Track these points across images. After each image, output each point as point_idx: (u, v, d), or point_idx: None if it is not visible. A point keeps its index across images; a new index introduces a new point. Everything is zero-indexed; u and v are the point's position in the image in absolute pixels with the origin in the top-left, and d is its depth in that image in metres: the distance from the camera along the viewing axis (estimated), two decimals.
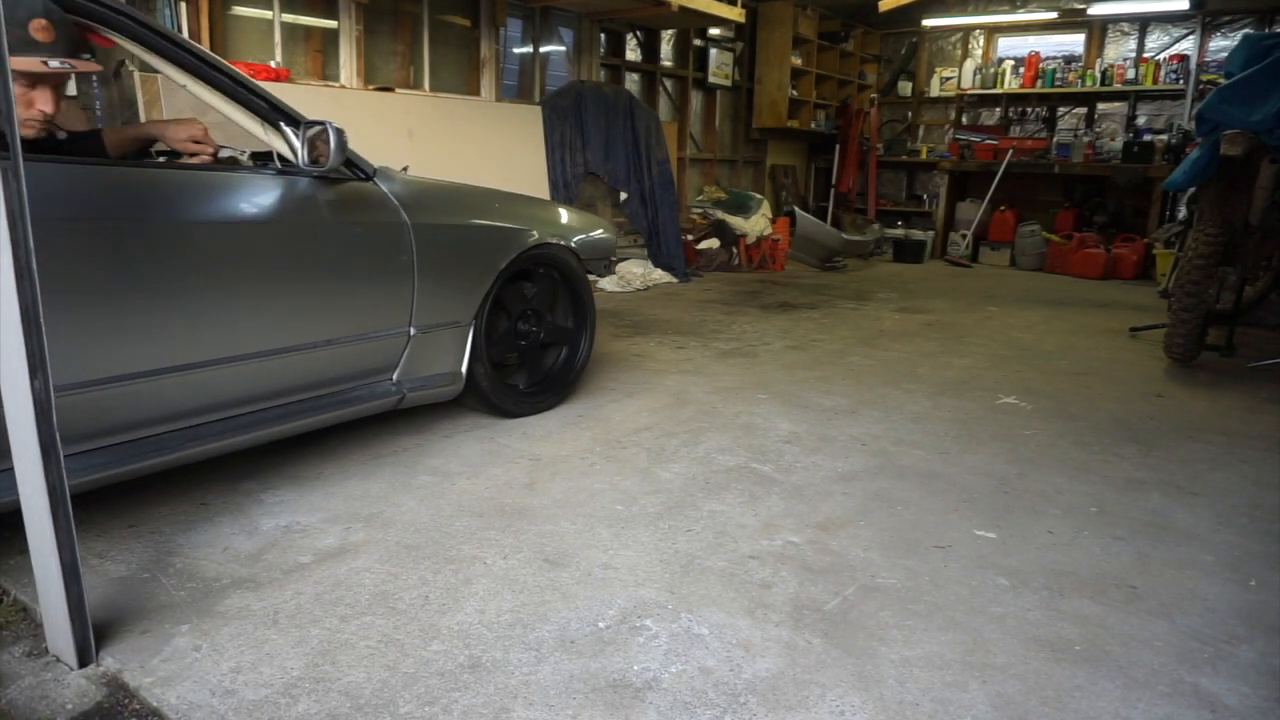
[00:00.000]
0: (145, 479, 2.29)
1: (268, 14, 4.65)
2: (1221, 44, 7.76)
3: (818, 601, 1.81)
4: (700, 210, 7.38)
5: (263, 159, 2.33)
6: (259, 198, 2.15)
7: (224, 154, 2.32)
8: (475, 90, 5.83)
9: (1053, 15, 8.47)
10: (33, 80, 1.80)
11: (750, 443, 2.80)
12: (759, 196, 7.37)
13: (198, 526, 2.08)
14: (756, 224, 7.11)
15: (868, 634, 1.69)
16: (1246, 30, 7.59)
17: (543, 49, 6.45)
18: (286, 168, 2.21)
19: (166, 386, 1.97)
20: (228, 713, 1.41)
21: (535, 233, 2.90)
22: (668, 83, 7.70)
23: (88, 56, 1.90)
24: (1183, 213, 7.24)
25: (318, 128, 2.16)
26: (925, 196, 9.57)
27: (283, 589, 1.80)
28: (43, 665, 1.54)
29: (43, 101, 1.85)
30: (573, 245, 3.06)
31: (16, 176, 1.34)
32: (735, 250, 7.24)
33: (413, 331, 2.53)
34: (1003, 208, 8.35)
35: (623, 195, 6.60)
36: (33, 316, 1.37)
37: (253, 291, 2.11)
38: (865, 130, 9.17)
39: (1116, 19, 8.30)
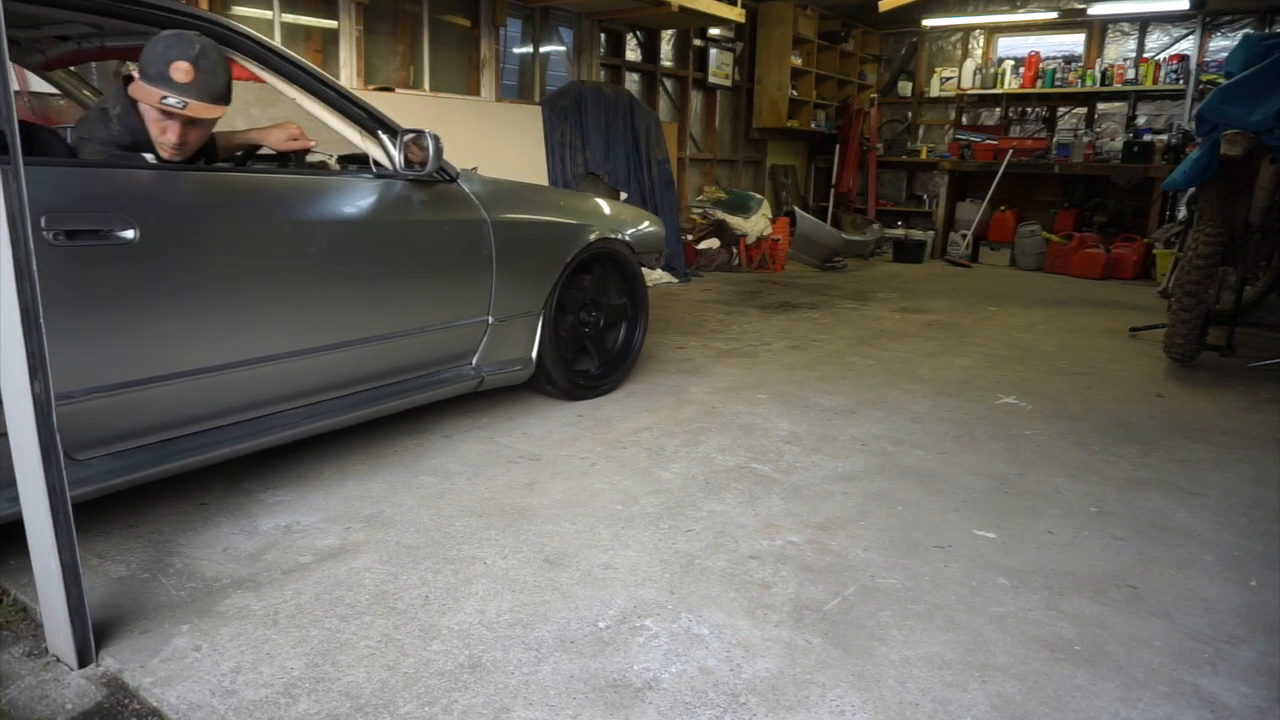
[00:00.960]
0: None
1: (268, 14, 4.65)
2: (1221, 44, 7.76)
3: (818, 601, 1.81)
4: (700, 210, 7.39)
5: (348, 162, 2.61)
6: (363, 199, 2.38)
7: (313, 158, 2.55)
8: (475, 90, 5.83)
9: (1053, 15, 8.47)
10: (163, 113, 1.99)
11: (750, 443, 2.80)
12: (759, 196, 7.37)
13: (198, 526, 2.08)
14: (756, 224, 7.11)
15: (868, 634, 1.69)
16: (1246, 30, 7.59)
17: (543, 49, 6.45)
18: (381, 172, 2.43)
19: (291, 369, 2.19)
20: (228, 713, 1.41)
21: (596, 228, 3.14)
22: (668, 83, 7.70)
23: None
24: (1183, 213, 7.24)
25: (415, 134, 2.39)
26: (925, 196, 9.57)
27: (283, 589, 1.80)
28: (43, 665, 1.54)
29: (171, 132, 2.01)
30: (627, 239, 3.28)
31: (16, 178, 1.34)
32: (735, 250, 7.24)
33: (490, 320, 2.76)
34: (1003, 208, 8.35)
35: (623, 195, 6.60)
36: (33, 317, 1.37)
37: (359, 283, 2.34)
38: (865, 130, 9.17)
39: (1116, 19, 8.30)
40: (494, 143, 5.51)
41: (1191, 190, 5.90)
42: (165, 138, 2.01)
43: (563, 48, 6.65)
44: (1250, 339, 4.73)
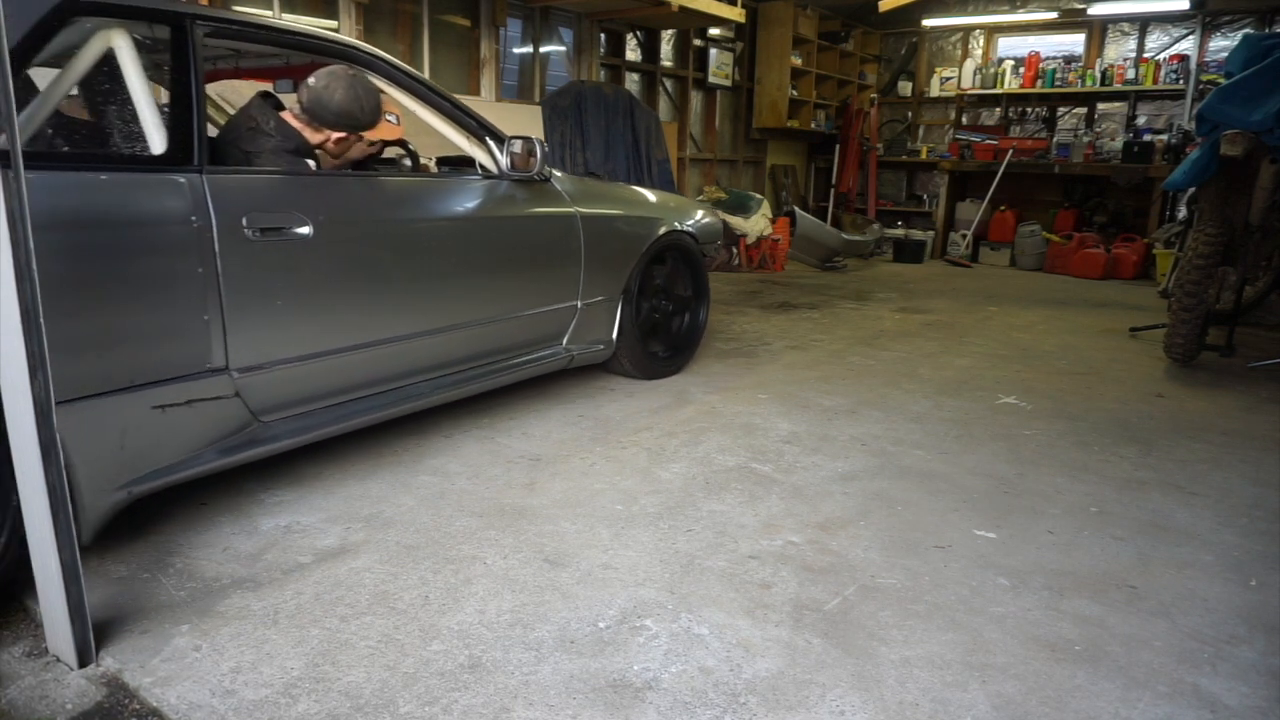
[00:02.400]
0: None
1: (267, 14, 4.65)
2: (1221, 44, 7.76)
3: (818, 601, 1.81)
4: None
5: (444, 163, 2.97)
6: (479, 198, 2.70)
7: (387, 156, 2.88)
8: (475, 90, 5.83)
9: (1053, 15, 8.47)
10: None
11: (750, 443, 2.80)
12: (759, 196, 7.37)
13: (198, 526, 2.08)
14: (756, 224, 7.11)
15: (868, 634, 1.69)
16: (1246, 30, 7.59)
17: (543, 49, 6.45)
18: (489, 173, 2.76)
19: (424, 346, 2.52)
20: (228, 713, 1.41)
21: (667, 221, 3.44)
22: (668, 83, 7.71)
23: (392, 119, 2.55)
24: (1183, 213, 7.24)
25: (523, 140, 2.73)
26: (925, 196, 9.57)
27: (283, 589, 1.80)
28: (43, 665, 1.54)
29: (340, 152, 2.47)
30: (692, 231, 3.58)
31: (17, 178, 1.34)
32: (735, 250, 7.24)
33: (579, 305, 3.08)
34: (1003, 208, 8.35)
35: None
36: (33, 317, 1.37)
37: (477, 271, 2.65)
38: (865, 130, 9.17)
39: (1116, 19, 8.30)
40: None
41: (1191, 190, 5.90)
42: (337, 161, 2.48)
43: (563, 48, 6.65)
44: (1250, 339, 4.73)
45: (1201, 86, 7.64)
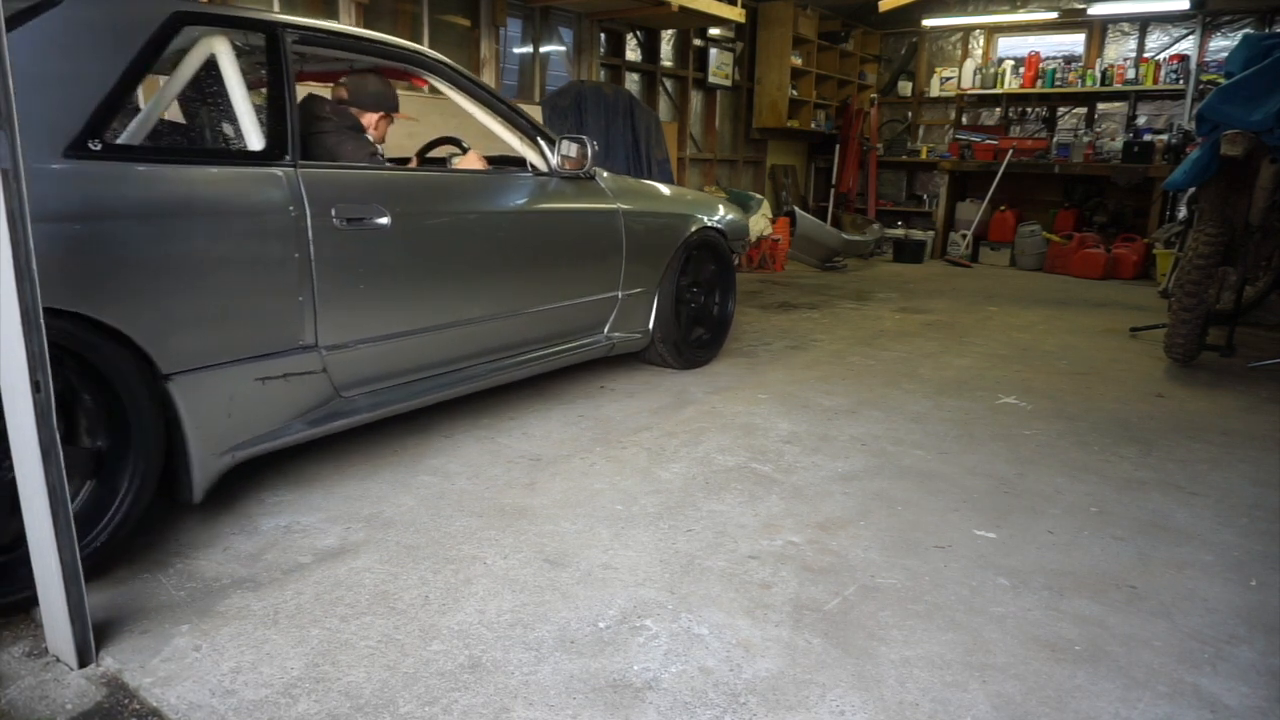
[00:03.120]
0: None
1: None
2: (1221, 44, 7.76)
3: (818, 601, 1.81)
4: None
5: (493, 162, 3.08)
6: (533, 194, 2.89)
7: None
8: None
9: (1053, 15, 8.47)
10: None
11: (750, 443, 2.80)
12: (759, 196, 7.37)
13: (197, 527, 2.08)
14: (756, 224, 7.11)
15: (868, 634, 1.69)
16: (1246, 30, 7.59)
17: (543, 49, 6.45)
18: (539, 171, 2.94)
19: (484, 330, 2.71)
20: (228, 713, 1.41)
21: (700, 218, 3.62)
22: (668, 83, 7.71)
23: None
24: (1183, 213, 7.24)
25: (576, 142, 2.94)
26: (925, 196, 9.57)
27: (283, 589, 1.80)
28: (43, 665, 1.54)
29: (381, 132, 2.79)
30: (722, 228, 3.75)
31: (16, 178, 1.34)
32: None
33: (620, 295, 3.27)
34: (1003, 208, 8.35)
35: None
36: (33, 317, 1.37)
37: (531, 262, 2.85)
38: (865, 130, 9.17)
39: (1116, 19, 8.30)
40: (494, 142, 5.51)
41: (1191, 190, 5.90)
42: (381, 141, 2.78)
43: (563, 48, 6.65)
44: (1250, 339, 4.73)
45: (1201, 86, 7.64)
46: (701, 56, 7.99)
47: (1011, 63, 8.82)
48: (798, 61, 8.56)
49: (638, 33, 7.35)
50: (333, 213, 2.18)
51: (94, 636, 1.55)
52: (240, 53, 2.17)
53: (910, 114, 9.74)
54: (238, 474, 2.39)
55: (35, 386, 1.38)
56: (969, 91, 9.09)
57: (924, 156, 9.37)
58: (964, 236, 8.39)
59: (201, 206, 1.92)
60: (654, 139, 6.74)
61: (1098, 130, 8.42)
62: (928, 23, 9.04)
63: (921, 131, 9.70)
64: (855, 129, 9.05)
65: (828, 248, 7.49)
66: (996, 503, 2.37)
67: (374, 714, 1.41)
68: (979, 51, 9.20)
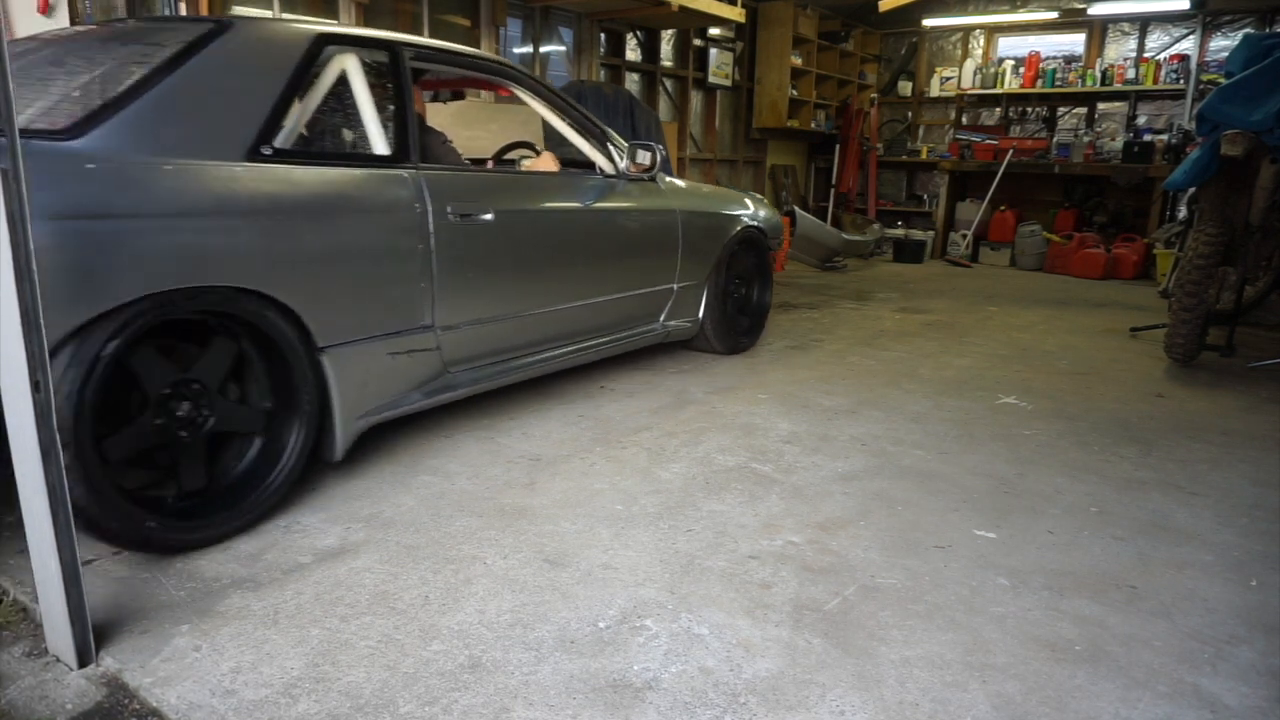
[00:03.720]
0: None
1: (267, 14, 4.65)
2: (1222, 44, 7.76)
3: (818, 601, 1.81)
4: None
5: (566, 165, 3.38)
6: (606, 194, 3.18)
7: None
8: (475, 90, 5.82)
9: (1053, 15, 8.47)
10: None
11: (750, 443, 2.80)
12: (759, 197, 7.37)
13: None
14: None
15: (868, 634, 1.69)
16: (1247, 30, 7.59)
17: (543, 49, 6.45)
18: (608, 174, 3.23)
19: (564, 316, 3.00)
20: (228, 713, 1.41)
21: (744, 218, 3.93)
22: (668, 83, 7.70)
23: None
24: (1183, 213, 7.24)
25: (645, 147, 3.25)
26: (925, 196, 9.57)
27: (283, 589, 1.80)
28: (42, 665, 1.54)
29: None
30: (760, 225, 4.05)
31: (16, 179, 1.34)
32: None
33: (675, 287, 3.57)
34: (1003, 208, 8.35)
35: None
36: (33, 317, 1.37)
37: (603, 255, 3.17)
38: (865, 130, 9.17)
39: (1117, 19, 8.30)
40: (494, 141, 5.51)
41: (1191, 190, 5.90)
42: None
43: (563, 48, 6.65)
44: (1250, 339, 4.73)
45: (1202, 86, 7.64)
46: (701, 56, 7.99)
47: (1011, 63, 8.82)
48: (798, 61, 8.55)
49: (638, 33, 7.35)
50: (448, 209, 2.48)
51: (94, 636, 1.55)
52: (367, 68, 2.43)
53: (910, 114, 9.74)
54: None
55: (35, 386, 1.38)
56: (969, 91, 9.09)
57: (924, 156, 9.37)
58: (964, 236, 8.39)
59: (347, 202, 2.23)
60: (654, 139, 6.73)
61: (1098, 130, 8.42)
62: (928, 23, 9.04)
63: (921, 131, 9.70)
64: (855, 129, 9.05)
65: (828, 248, 7.48)
66: (996, 503, 2.37)
67: (374, 714, 1.41)
68: (979, 51, 9.20)
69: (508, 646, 1.61)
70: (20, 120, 1.77)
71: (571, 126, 3.20)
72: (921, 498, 2.39)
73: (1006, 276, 7.50)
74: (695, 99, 8.10)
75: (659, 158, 3.28)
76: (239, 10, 4.53)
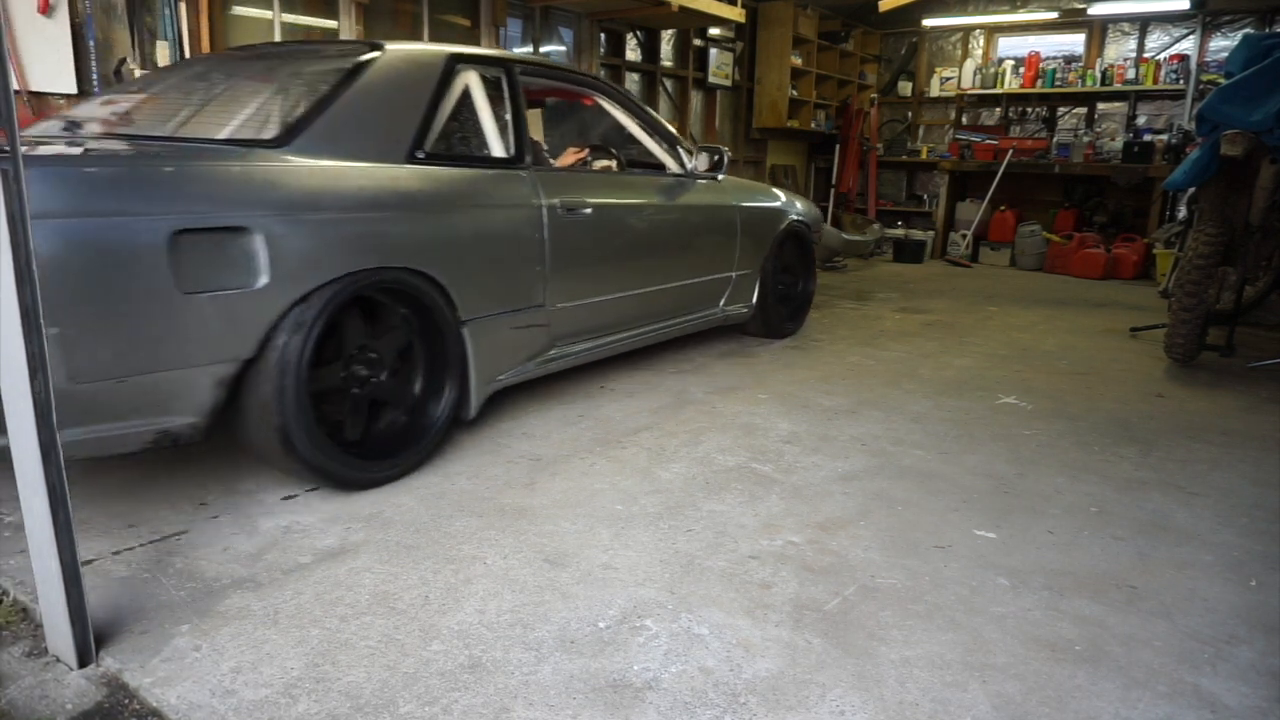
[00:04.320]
0: (145, 478, 2.34)
1: (268, 14, 4.65)
2: (1222, 44, 7.76)
3: (818, 601, 1.81)
4: None
5: (633, 165, 3.73)
6: (678, 191, 3.57)
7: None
8: None
9: (1053, 15, 8.47)
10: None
11: (750, 443, 2.80)
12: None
13: (198, 526, 2.08)
14: None
15: (868, 634, 1.69)
16: (1247, 30, 7.59)
17: (543, 49, 6.45)
18: (679, 173, 3.63)
19: (642, 300, 3.35)
20: (228, 713, 1.41)
21: (790, 212, 4.31)
22: (668, 83, 7.70)
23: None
24: (1183, 213, 7.24)
25: (714, 151, 3.69)
26: (925, 196, 9.57)
27: (283, 589, 1.80)
28: (43, 665, 1.54)
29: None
30: (804, 219, 4.43)
31: (17, 179, 1.34)
32: None
33: (733, 275, 3.92)
34: (1003, 208, 8.34)
35: None
36: (33, 317, 1.37)
37: (677, 245, 3.55)
38: (865, 130, 9.16)
39: (1116, 19, 8.30)
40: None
41: (1191, 190, 5.89)
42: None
43: (563, 48, 6.65)
44: (1250, 339, 4.73)
45: (1202, 86, 7.64)
46: (701, 56, 7.99)
47: (1011, 63, 8.82)
48: (798, 61, 8.55)
49: (638, 33, 7.35)
50: (557, 203, 2.85)
51: (94, 636, 1.55)
52: (487, 83, 2.83)
53: (910, 114, 9.74)
54: (237, 474, 2.39)
55: (35, 386, 1.38)
56: (969, 91, 9.09)
57: (924, 156, 9.36)
58: (964, 236, 8.39)
59: (483, 197, 2.64)
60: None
61: (1098, 130, 8.42)
62: (928, 23, 9.04)
63: (921, 131, 9.70)
64: (855, 129, 9.05)
65: (828, 248, 7.48)
66: (996, 503, 2.37)
67: (374, 714, 1.41)
68: (979, 51, 9.20)
69: (508, 646, 1.61)
70: (226, 131, 2.33)
71: (646, 131, 3.59)
72: (921, 498, 2.39)
73: (1006, 276, 7.50)
74: (695, 99, 8.09)
75: (726, 159, 3.73)
76: (238, 10, 4.53)
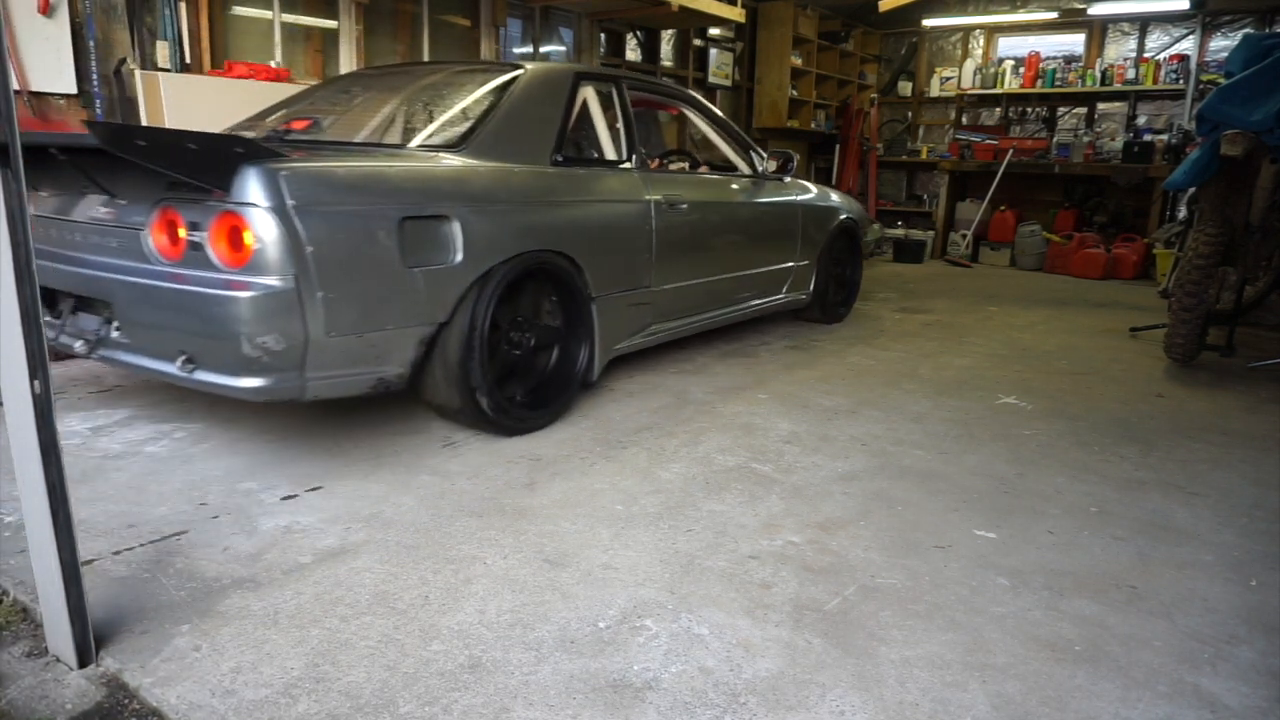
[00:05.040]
0: (144, 478, 2.35)
1: (268, 14, 4.65)
2: (1221, 44, 7.76)
3: (818, 601, 1.81)
4: None
5: (711, 167, 4.41)
6: (752, 190, 4.07)
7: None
8: None
9: (1053, 15, 8.47)
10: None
11: (750, 443, 2.80)
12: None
13: (198, 526, 2.08)
14: None
15: (868, 634, 1.69)
16: (1246, 30, 7.59)
17: (543, 49, 6.45)
18: (753, 174, 4.13)
19: (723, 284, 3.79)
20: (228, 713, 1.41)
21: (840, 210, 4.76)
22: (668, 83, 7.70)
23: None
24: (1183, 213, 7.24)
25: (784, 154, 4.19)
26: (925, 196, 9.57)
27: (283, 589, 1.80)
28: (43, 665, 1.54)
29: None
30: (854, 216, 4.90)
31: (17, 178, 1.33)
32: None
33: (795, 265, 4.37)
34: (1003, 208, 8.34)
35: None
36: (33, 317, 1.37)
37: (752, 237, 4.02)
38: (865, 130, 9.16)
39: (1116, 19, 8.30)
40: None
41: (1191, 190, 5.89)
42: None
43: (563, 48, 6.65)
44: (1250, 339, 4.73)
45: (1201, 86, 7.64)
46: (701, 56, 7.99)
47: (1011, 63, 8.82)
48: (798, 61, 8.55)
49: (638, 33, 7.35)
50: (661, 199, 3.31)
51: (94, 636, 1.55)
52: (602, 96, 3.36)
53: (910, 114, 9.74)
54: (237, 475, 2.39)
55: (35, 386, 1.38)
56: (969, 91, 9.09)
57: (924, 156, 9.37)
58: (964, 236, 8.39)
59: (609, 193, 3.12)
60: (653, 139, 6.73)
61: (1098, 130, 8.42)
62: (928, 23, 9.04)
63: (921, 131, 9.70)
64: (855, 129, 9.05)
65: None
66: (996, 503, 2.37)
67: (374, 714, 1.41)
68: (979, 51, 9.20)
69: (508, 646, 1.61)
70: (417, 140, 2.81)
71: (724, 138, 4.10)
72: (921, 498, 2.39)
73: (1006, 276, 7.50)
74: None
75: (795, 161, 4.21)
76: (239, 11, 4.53)
